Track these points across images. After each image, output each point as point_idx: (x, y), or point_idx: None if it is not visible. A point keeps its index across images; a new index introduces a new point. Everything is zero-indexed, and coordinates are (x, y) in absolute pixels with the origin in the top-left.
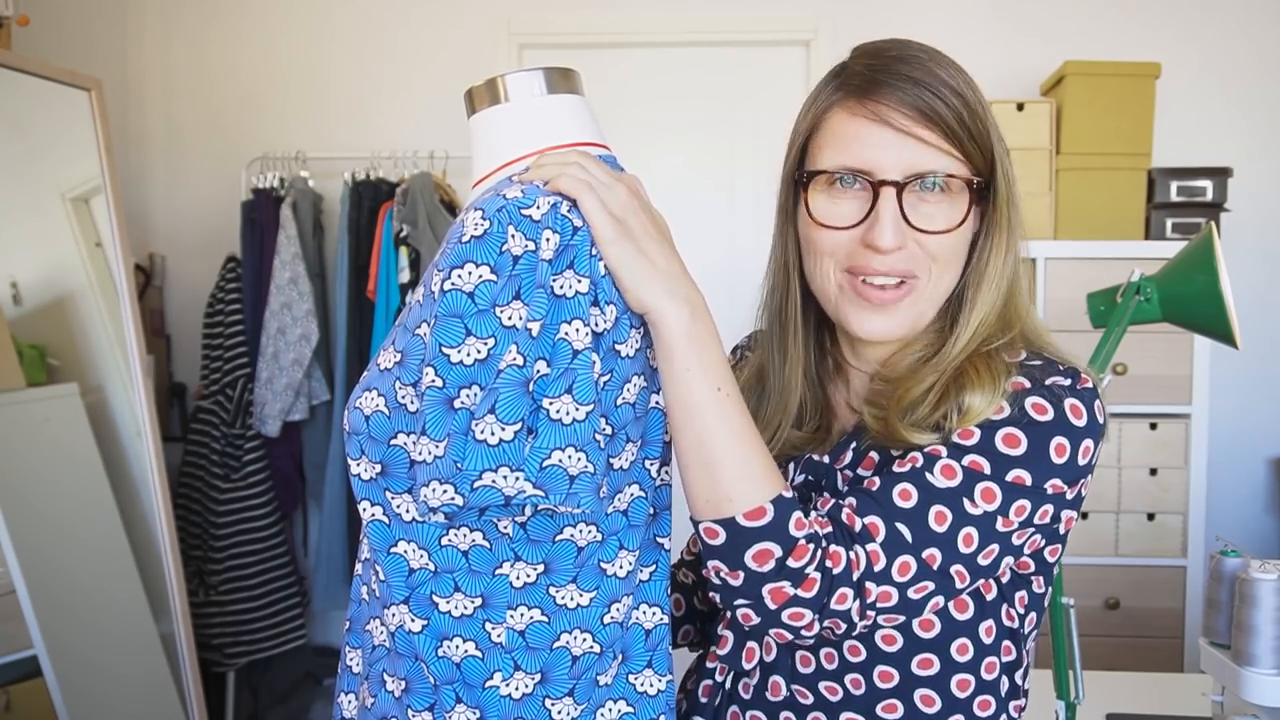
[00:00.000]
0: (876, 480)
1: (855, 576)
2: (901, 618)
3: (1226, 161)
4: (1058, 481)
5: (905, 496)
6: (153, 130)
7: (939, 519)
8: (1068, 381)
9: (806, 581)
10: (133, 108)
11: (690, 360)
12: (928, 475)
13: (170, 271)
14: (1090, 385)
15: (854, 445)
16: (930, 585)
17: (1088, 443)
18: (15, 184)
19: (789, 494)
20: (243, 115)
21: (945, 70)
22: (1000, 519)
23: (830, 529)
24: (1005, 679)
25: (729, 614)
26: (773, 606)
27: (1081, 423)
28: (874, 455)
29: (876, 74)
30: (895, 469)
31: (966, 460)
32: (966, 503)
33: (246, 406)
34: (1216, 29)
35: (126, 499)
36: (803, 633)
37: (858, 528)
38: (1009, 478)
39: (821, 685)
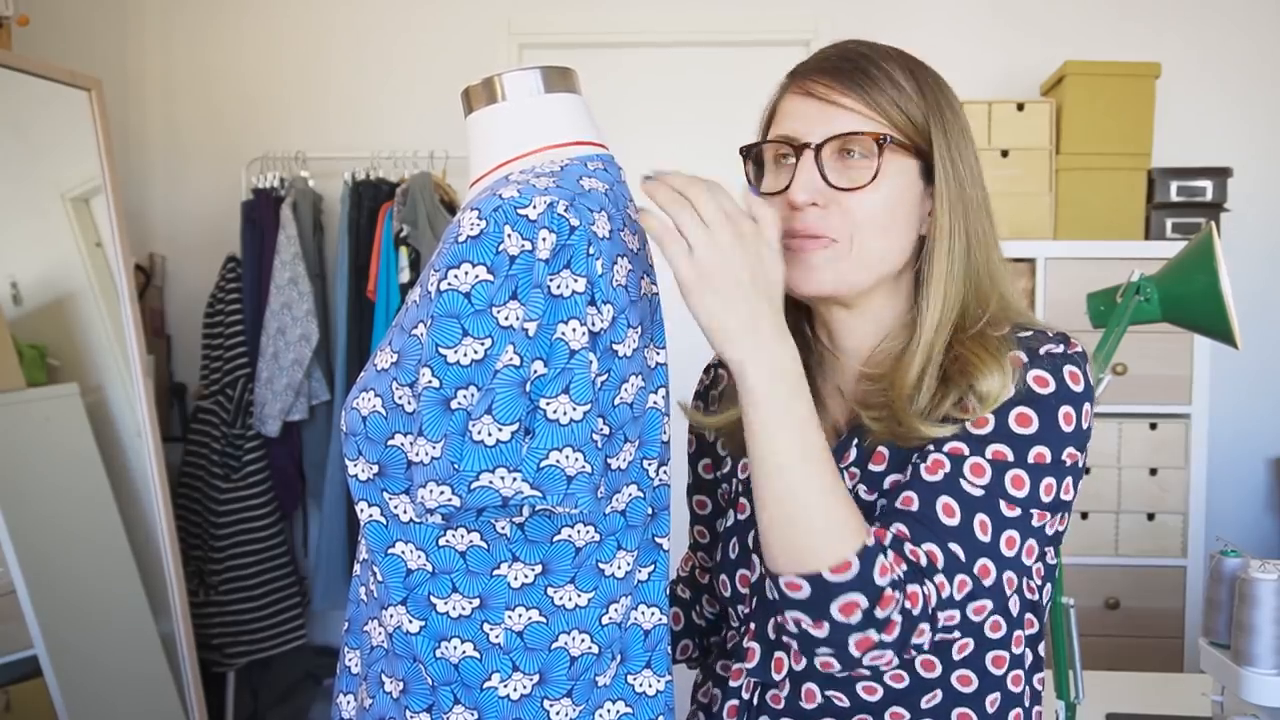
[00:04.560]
0: (913, 496)
1: (930, 610)
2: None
3: (1226, 161)
4: (1072, 450)
5: (949, 513)
6: (153, 130)
7: (983, 529)
8: (1060, 348)
9: (889, 626)
10: (133, 108)
11: (770, 418)
12: (962, 483)
13: (170, 271)
14: (1080, 349)
15: (856, 442)
16: (988, 604)
17: (1086, 406)
18: (15, 184)
19: (872, 541)
20: (243, 115)
21: (884, 58)
22: (1035, 512)
23: (904, 567)
24: (1029, 651)
25: (753, 625)
26: (857, 654)
27: (1080, 388)
28: (883, 450)
29: (815, 61)
30: (926, 477)
31: (990, 453)
32: (1003, 504)
33: (246, 406)
34: (1216, 29)
35: (126, 499)
36: (880, 668)
37: (923, 561)
38: (1031, 459)
39: (859, 686)
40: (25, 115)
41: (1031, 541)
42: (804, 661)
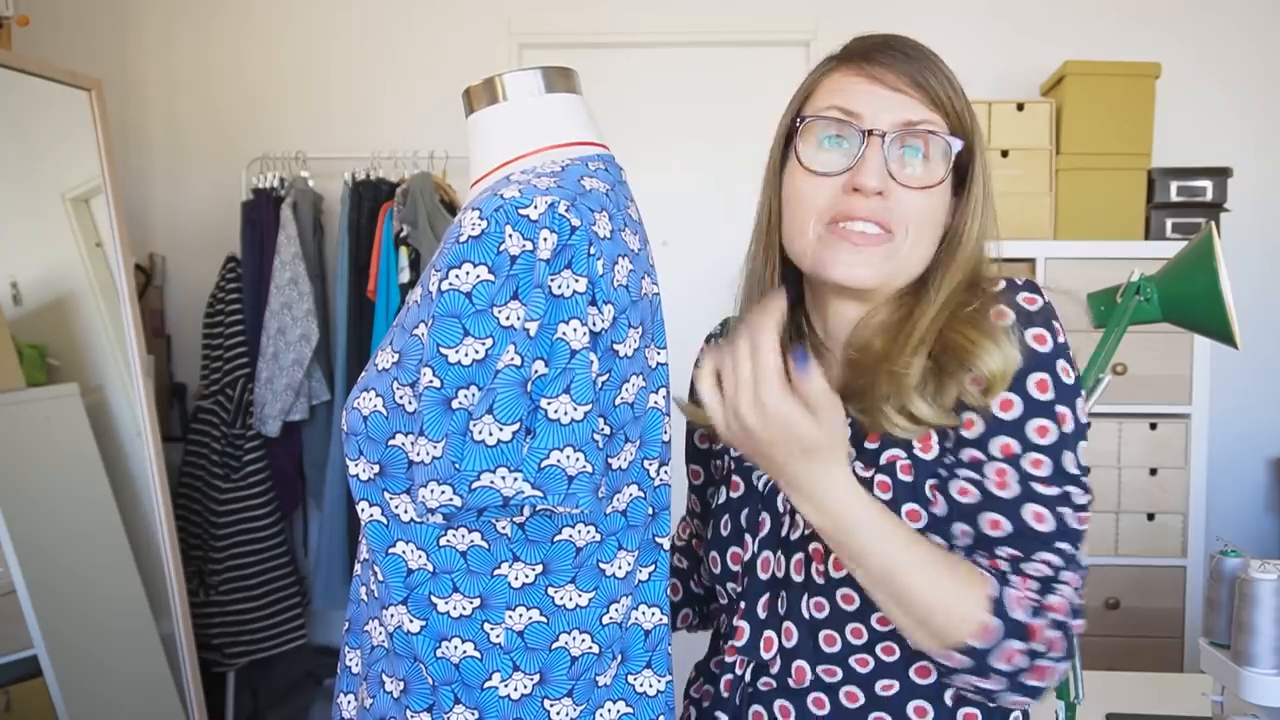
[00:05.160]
0: (1000, 519)
1: (1076, 606)
2: None
3: (1226, 161)
4: (1079, 401)
5: (1040, 519)
6: (153, 130)
7: (1073, 519)
8: (1038, 302)
9: (1053, 644)
10: (133, 108)
11: (849, 544)
12: (1034, 486)
13: (170, 271)
14: (1045, 296)
15: (849, 423)
16: (1082, 575)
17: (1071, 353)
18: (15, 184)
19: (994, 588)
20: (243, 115)
21: (936, 58)
22: (1084, 476)
23: (1034, 585)
24: None
25: (743, 604)
26: (1041, 684)
27: (1064, 339)
28: (900, 455)
29: (873, 47)
30: (1001, 494)
31: (1033, 435)
32: (1073, 492)
33: (246, 406)
34: (1216, 29)
35: (126, 499)
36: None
37: (1046, 571)
38: (1065, 427)
39: (852, 660)
40: (25, 115)
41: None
42: (795, 638)
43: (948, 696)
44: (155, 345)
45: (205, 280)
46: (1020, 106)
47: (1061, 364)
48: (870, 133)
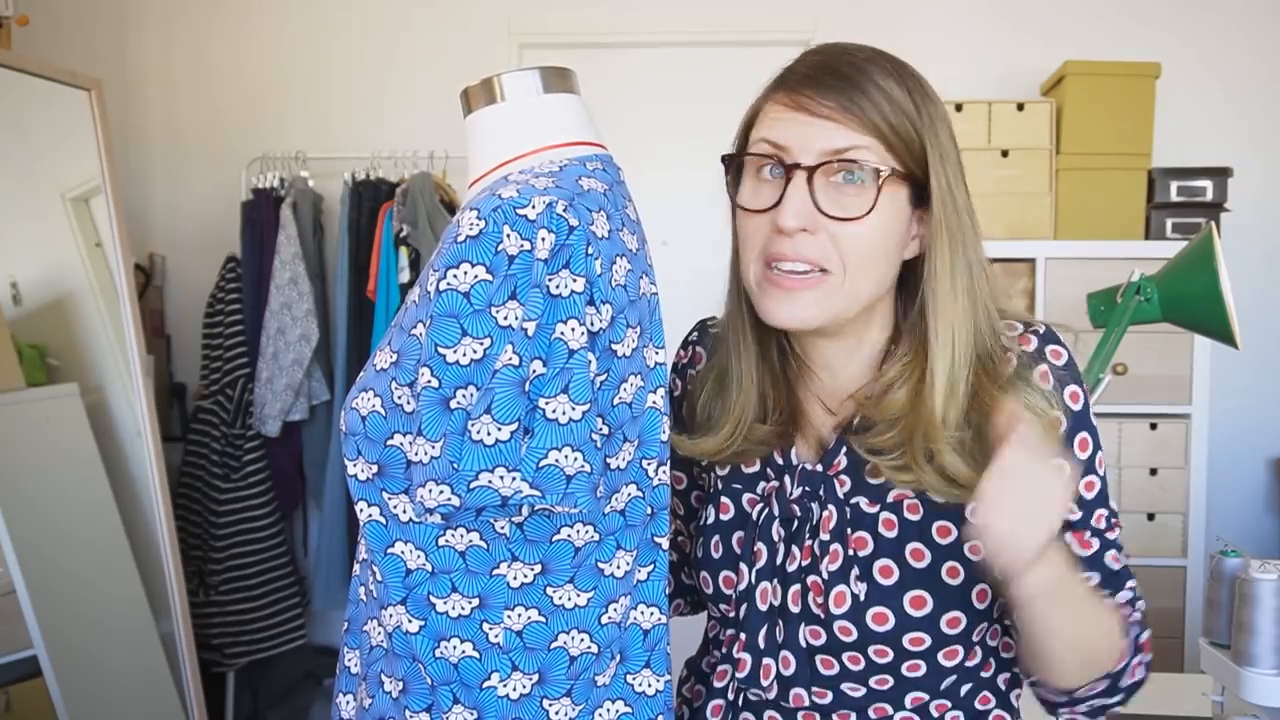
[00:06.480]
0: (1093, 576)
1: (1137, 603)
2: None
3: (1226, 161)
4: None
5: (1116, 560)
6: (153, 130)
7: (1114, 560)
8: (1063, 356)
9: (1146, 644)
10: (133, 108)
11: (1041, 612)
12: (1108, 534)
13: (170, 271)
14: (1064, 343)
15: (845, 450)
16: None
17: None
18: (15, 184)
19: (1131, 615)
20: (243, 115)
21: (880, 71)
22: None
23: (1127, 599)
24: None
25: (743, 635)
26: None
27: (1085, 382)
28: (908, 495)
29: (809, 70)
30: (1085, 553)
31: (1084, 491)
32: (1116, 522)
33: (246, 406)
34: (1216, 29)
35: (126, 499)
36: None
37: (1127, 597)
38: (1101, 470)
39: (845, 685)
40: (25, 115)
41: None
42: (793, 666)
43: (933, 708)
44: (155, 345)
45: (205, 280)
46: (1020, 106)
47: (1091, 414)
48: (796, 166)
